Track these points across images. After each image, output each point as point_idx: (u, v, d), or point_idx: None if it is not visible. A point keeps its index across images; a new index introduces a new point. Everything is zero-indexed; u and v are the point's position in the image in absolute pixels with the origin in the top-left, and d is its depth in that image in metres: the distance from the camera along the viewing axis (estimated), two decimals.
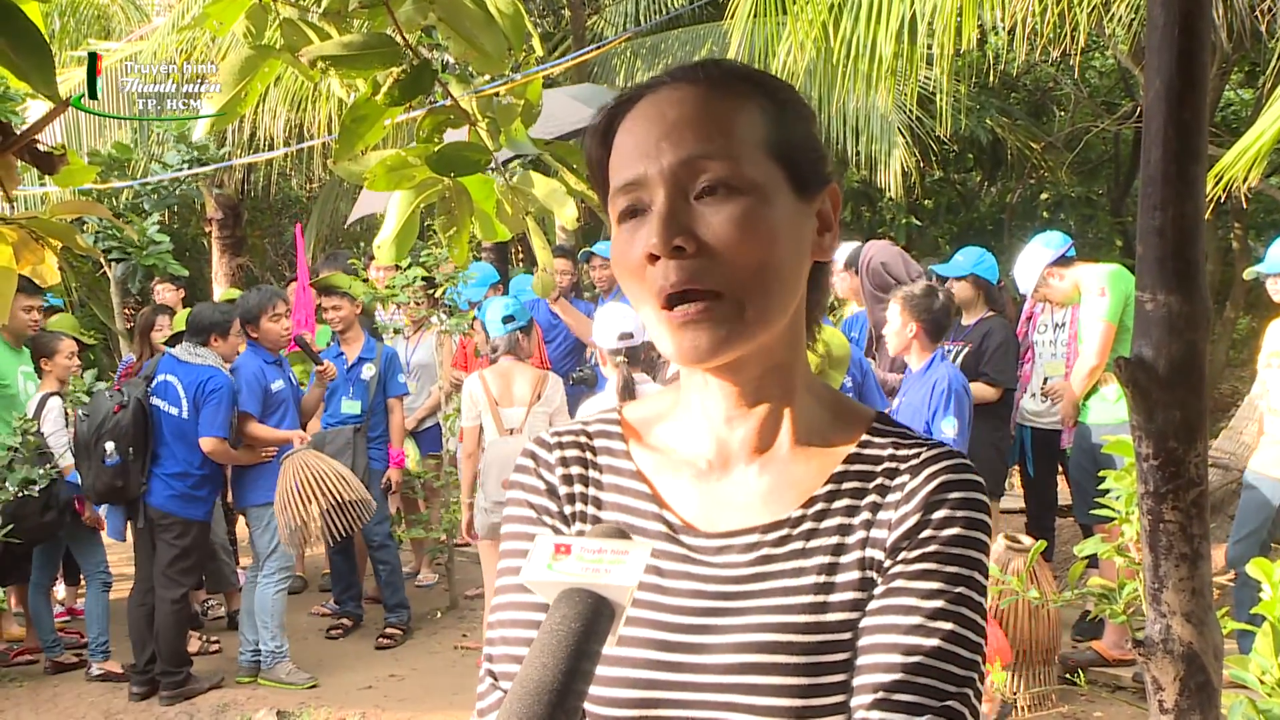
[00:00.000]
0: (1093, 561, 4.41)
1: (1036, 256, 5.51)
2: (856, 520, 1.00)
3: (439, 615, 6.68)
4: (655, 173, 0.96)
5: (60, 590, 6.88)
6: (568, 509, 1.09)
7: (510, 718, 0.77)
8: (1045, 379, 5.92)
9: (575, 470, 1.10)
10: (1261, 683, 2.64)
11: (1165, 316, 1.93)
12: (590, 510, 1.08)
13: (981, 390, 5.55)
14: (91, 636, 5.87)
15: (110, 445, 5.50)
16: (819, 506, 1.02)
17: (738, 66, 1.04)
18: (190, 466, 5.58)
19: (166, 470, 5.57)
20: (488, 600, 5.08)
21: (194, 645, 6.19)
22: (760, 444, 1.05)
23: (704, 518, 1.04)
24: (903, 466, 1.01)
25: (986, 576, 0.98)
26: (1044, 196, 13.62)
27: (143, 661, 5.59)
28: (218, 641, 6.28)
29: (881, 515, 1.00)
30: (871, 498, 1.01)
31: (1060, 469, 6.29)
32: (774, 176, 0.98)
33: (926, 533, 0.97)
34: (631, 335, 4.67)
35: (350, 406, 6.38)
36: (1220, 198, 5.09)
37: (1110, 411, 5.43)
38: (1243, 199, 5.65)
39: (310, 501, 5.65)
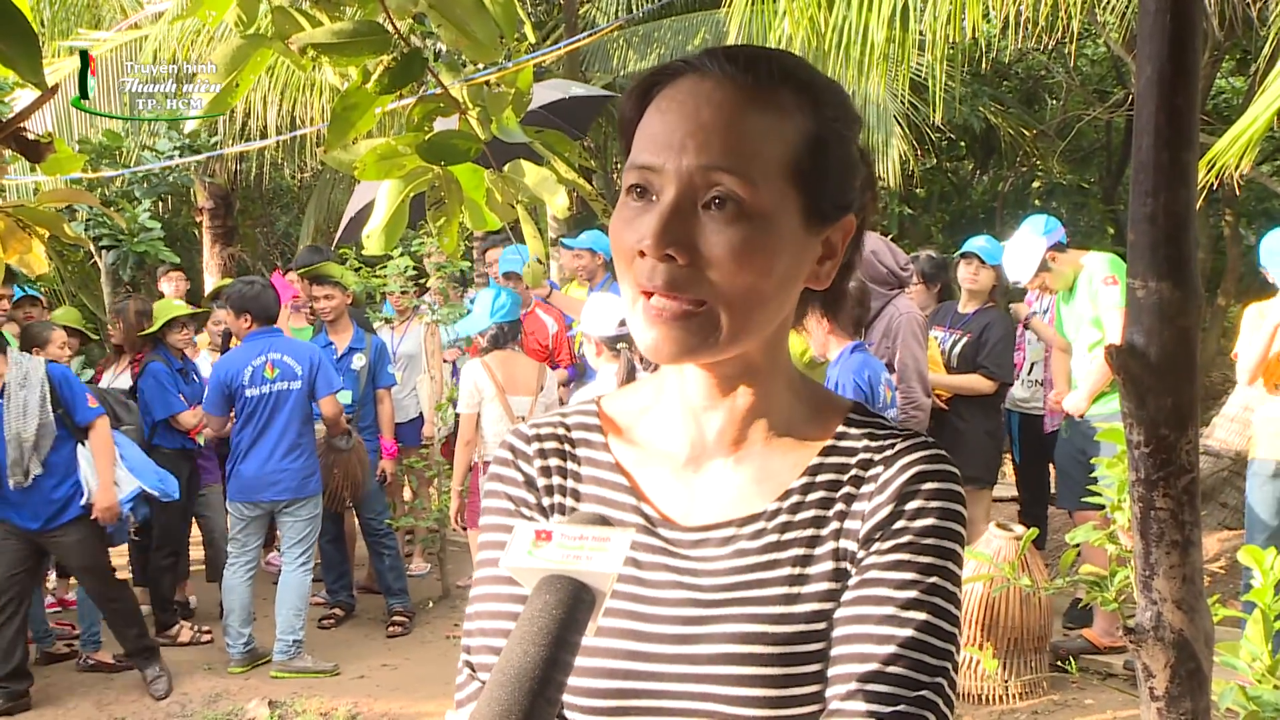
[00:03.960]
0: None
1: (1032, 244, 5.47)
2: (830, 512, 1.01)
3: (431, 605, 6.67)
4: (672, 169, 0.94)
5: (51, 580, 6.87)
6: (546, 501, 1.09)
7: (490, 705, 0.76)
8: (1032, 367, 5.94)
9: (554, 462, 1.10)
10: (1251, 669, 2.65)
11: (1157, 304, 1.93)
12: (569, 502, 1.09)
13: (978, 382, 5.56)
14: (83, 628, 5.86)
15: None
16: (794, 499, 1.02)
17: (793, 66, 1.00)
18: None
19: None
20: None
21: (185, 635, 6.18)
22: (736, 437, 1.05)
23: (682, 511, 1.05)
24: (877, 457, 1.02)
25: (961, 566, 0.99)
26: (1036, 184, 13.66)
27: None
28: (209, 631, 6.27)
29: (856, 506, 1.00)
30: (846, 489, 1.01)
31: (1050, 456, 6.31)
32: (788, 204, 0.96)
33: (900, 523, 0.98)
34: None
35: (341, 397, 6.34)
36: (1212, 185, 5.08)
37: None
38: (1235, 186, 5.63)
39: None
